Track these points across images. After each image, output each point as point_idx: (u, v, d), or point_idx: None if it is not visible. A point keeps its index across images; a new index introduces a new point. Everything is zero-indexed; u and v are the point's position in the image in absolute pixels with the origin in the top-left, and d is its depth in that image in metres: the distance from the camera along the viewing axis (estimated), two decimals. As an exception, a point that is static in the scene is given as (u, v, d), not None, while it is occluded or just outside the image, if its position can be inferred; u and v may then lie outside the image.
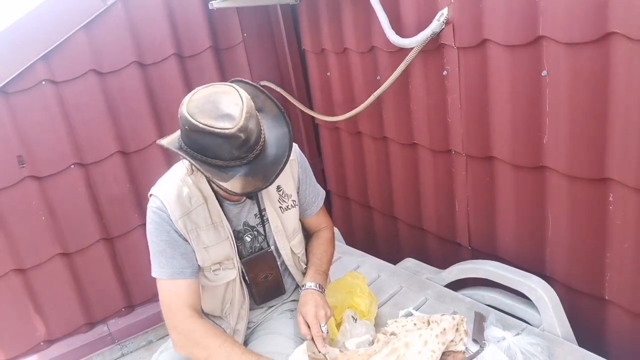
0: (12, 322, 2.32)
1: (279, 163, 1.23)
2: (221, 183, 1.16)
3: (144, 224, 2.47)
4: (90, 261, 2.43)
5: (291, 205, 1.49)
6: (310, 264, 1.55)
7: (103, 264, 2.46)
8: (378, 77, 2.14)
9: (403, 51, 1.90)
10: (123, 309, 2.55)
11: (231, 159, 1.17)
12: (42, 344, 2.40)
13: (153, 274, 1.36)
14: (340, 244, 2.36)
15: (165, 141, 1.23)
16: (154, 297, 2.61)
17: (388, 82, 1.98)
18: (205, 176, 1.29)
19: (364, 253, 2.18)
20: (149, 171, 2.47)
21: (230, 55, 2.64)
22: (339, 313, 1.64)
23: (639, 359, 1.42)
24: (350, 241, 2.43)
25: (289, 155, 1.24)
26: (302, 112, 2.71)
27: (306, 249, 1.62)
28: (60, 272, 2.37)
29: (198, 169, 1.17)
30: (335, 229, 2.48)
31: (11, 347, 2.34)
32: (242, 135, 1.15)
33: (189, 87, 2.51)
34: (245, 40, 2.64)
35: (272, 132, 1.26)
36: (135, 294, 2.58)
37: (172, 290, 1.33)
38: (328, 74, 2.48)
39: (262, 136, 1.23)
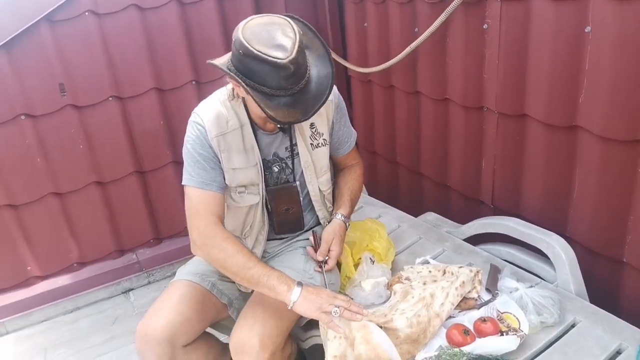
0: (48, 242, 2.48)
1: (319, 100, 1.28)
2: (265, 108, 1.21)
3: (175, 161, 2.61)
4: (123, 192, 2.55)
5: (322, 144, 1.54)
6: (343, 193, 1.63)
7: (135, 196, 2.58)
8: (416, 30, 2.11)
9: (444, 3, 1.87)
10: (151, 240, 2.68)
11: (277, 88, 1.21)
12: (75, 265, 2.56)
13: (183, 182, 1.43)
14: (362, 194, 2.39)
15: (216, 61, 1.29)
16: (181, 232, 2.73)
17: (426, 34, 1.96)
18: (245, 104, 1.38)
19: (385, 204, 2.22)
20: (182, 110, 2.52)
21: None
22: (357, 252, 1.70)
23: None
24: (374, 194, 2.47)
25: (329, 94, 1.29)
26: (335, 62, 2.70)
27: (337, 180, 1.68)
28: (94, 200, 2.50)
29: (245, 90, 1.22)
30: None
31: (47, 265, 2.51)
32: (292, 67, 1.19)
33: (225, 29, 2.53)
34: (284, -14, 2.63)
35: (316, 70, 1.30)
36: (163, 227, 2.71)
37: (201, 198, 1.40)
38: (365, 24, 2.46)
39: (308, 72, 1.27)
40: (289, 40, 1.21)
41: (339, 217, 1.57)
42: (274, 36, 1.20)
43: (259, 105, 1.21)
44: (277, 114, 1.22)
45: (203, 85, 2.56)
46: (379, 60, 2.37)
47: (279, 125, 1.45)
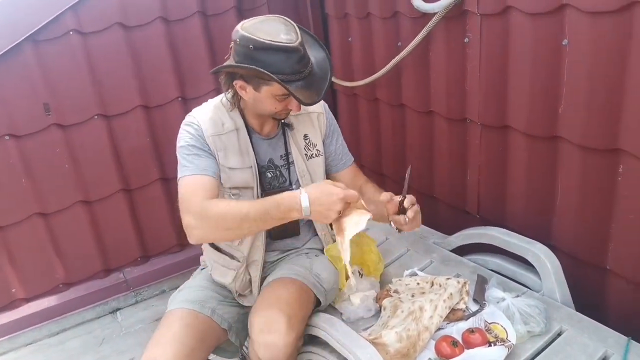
0: (33, 263, 2.44)
1: (325, 80, 1.36)
2: (292, 91, 1.26)
3: (163, 178, 2.60)
4: (109, 210, 2.53)
5: (316, 154, 1.58)
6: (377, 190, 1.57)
7: (122, 214, 2.56)
8: (399, 44, 2.14)
9: (426, 17, 1.90)
10: (139, 259, 2.66)
11: (292, 72, 1.26)
12: (61, 286, 2.52)
13: (178, 176, 1.38)
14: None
15: (220, 67, 1.34)
16: (168, 249, 2.71)
17: (409, 48, 1.99)
18: (240, 111, 1.46)
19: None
20: (169, 126, 2.53)
21: (254, 15, 2.63)
22: (343, 267, 1.70)
23: (636, 327, 1.46)
24: (362, 206, 2.48)
25: (331, 75, 1.38)
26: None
27: (367, 194, 1.60)
28: (81, 219, 2.47)
29: (271, 78, 1.24)
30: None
31: (32, 287, 2.47)
32: (301, 49, 1.27)
33: (211, 46, 2.55)
34: (268, 2, 2.65)
35: (313, 57, 1.37)
36: (151, 245, 2.68)
37: (191, 184, 1.35)
38: (349, 39, 2.49)
39: (309, 57, 1.34)
40: (290, 27, 1.29)
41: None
42: (275, 27, 1.27)
43: (287, 89, 1.25)
44: (299, 93, 1.27)
45: (189, 102, 2.56)
46: (363, 74, 2.40)
47: (283, 120, 1.51)
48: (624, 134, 1.39)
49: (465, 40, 1.81)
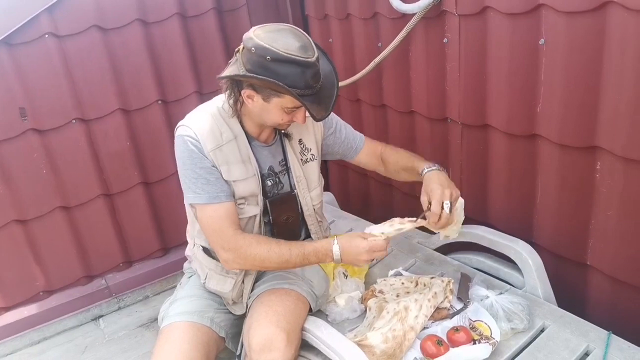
0: (12, 271, 2.38)
1: (332, 95, 1.36)
2: (308, 106, 1.26)
3: (144, 182, 2.56)
4: (90, 216, 2.48)
5: (310, 159, 1.58)
6: (409, 155, 1.66)
7: (102, 220, 2.51)
8: (379, 44, 2.15)
9: (405, 18, 1.91)
10: (121, 264, 2.61)
11: (306, 87, 1.26)
12: (41, 293, 2.47)
13: (188, 201, 1.43)
14: (335, 208, 2.41)
15: (228, 73, 1.31)
16: (151, 254, 2.68)
17: (389, 49, 2.00)
18: (239, 117, 1.43)
19: (357, 217, 2.23)
20: (149, 130, 2.50)
21: (233, 17, 2.63)
22: (331, 271, 1.71)
23: (616, 321, 1.49)
24: (345, 207, 2.49)
25: (337, 88, 1.38)
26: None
27: (392, 160, 1.70)
28: (60, 225, 2.42)
29: (288, 92, 1.23)
30: (331, 194, 2.54)
31: (11, 295, 2.41)
32: (317, 65, 1.27)
33: (190, 48, 2.52)
34: (248, 3, 2.64)
35: (322, 69, 1.35)
36: (133, 250, 2.64)
37: (213, 215, 1.40)
38: (330, 40, 2.49)
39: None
40: (306, 40, 1.27)
41: (428, 169, 1.49)
42: (292, 39, 1.25)
43: (304, 104, 1.25)
44: (314, 108, 1.27)
45: (169, 105, 2.53)
46: (345, 75, 2.40)
47: (283, 131, 1.50)
48: (600, 131, 1.42)
49: (444, 41, 1.83)
